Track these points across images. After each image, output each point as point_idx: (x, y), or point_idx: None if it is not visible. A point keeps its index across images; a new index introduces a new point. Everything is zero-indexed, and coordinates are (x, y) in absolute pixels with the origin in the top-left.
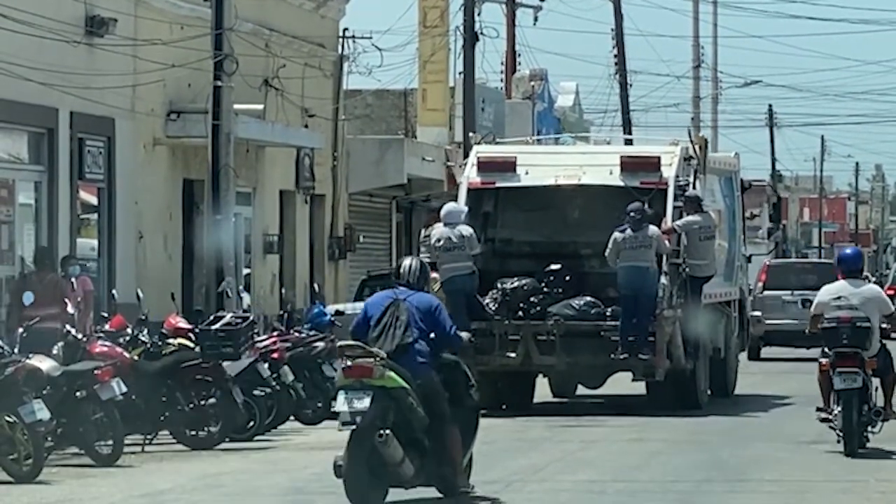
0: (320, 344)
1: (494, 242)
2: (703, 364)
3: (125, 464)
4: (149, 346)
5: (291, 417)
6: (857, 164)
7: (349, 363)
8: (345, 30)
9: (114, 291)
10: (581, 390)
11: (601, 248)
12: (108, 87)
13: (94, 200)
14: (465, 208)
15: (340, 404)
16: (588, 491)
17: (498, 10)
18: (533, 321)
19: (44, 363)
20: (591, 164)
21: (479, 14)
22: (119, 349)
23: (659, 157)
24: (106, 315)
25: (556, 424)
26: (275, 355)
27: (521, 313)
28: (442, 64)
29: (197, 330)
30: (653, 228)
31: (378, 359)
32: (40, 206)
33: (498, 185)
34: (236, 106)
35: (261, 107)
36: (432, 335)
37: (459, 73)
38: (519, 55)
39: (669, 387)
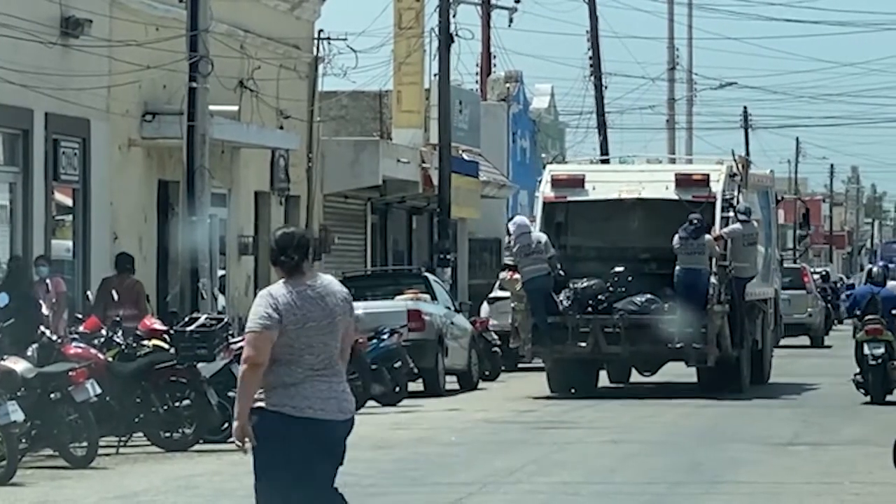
0: None
1: (566, 248)
2: (746, 354)
3: (99, 465)
4: (123, 347)
5: None
6: (832, 165)
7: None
8: (320, 31)
9: (88, 293)
10: (634, 377)
11: (659, 253)
12: (83, 88)
13: (68, 201)
14: (526, 218)
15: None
16: (563, 493)
17: (473, 12)
18: (601, 316)
19: (18, 364)
20: (650, 180)
21: (454, 16)
22: (93, 351)
23: (708, 175)
24: (80, 316)
25: (532, 426)
26: None
27: (590, 309)
28: (417, 66)
29: (172, 331)
30: (707, 236)
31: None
32: (15, 208)
33: (569, 199)
34: (211, 107)
35: (236, 108)
36: None
37: (434, 75)
38: (494, 57)
39: (717, 373)
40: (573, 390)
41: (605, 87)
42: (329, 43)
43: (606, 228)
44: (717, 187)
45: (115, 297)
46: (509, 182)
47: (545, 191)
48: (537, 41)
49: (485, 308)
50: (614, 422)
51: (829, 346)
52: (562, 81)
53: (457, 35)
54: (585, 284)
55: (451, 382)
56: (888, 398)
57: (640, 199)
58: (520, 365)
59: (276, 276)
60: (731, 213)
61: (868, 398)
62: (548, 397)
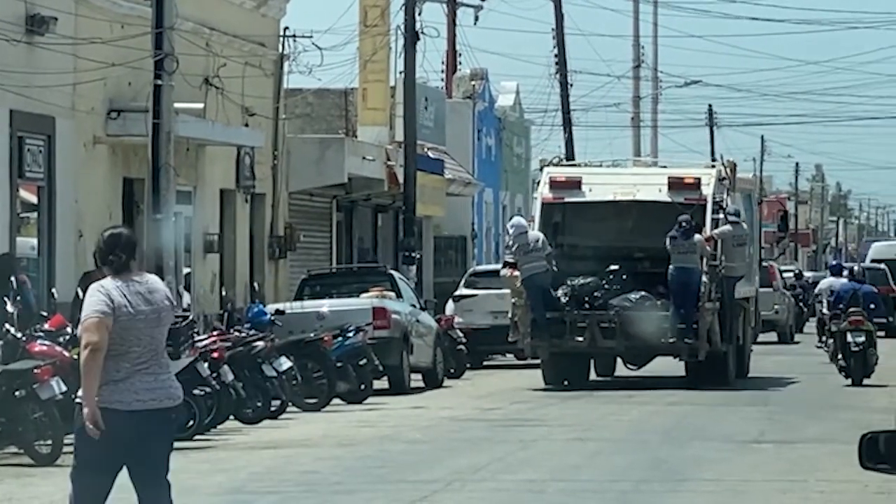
0: (260, 343)
1: (563, 247)
2: (733, 349)
3: (65, 463)
4: None
5: (231, 417)
6: (797, 164)
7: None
8: (285, 29)
9: (53, 290)
10: (619, 371)
11: (652, 253)
12: (48, 86)
13: (34, 199)
14: (523, 219)
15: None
16: (528, 490)
17: (439, 10)
18: (597, 311)
19: None
20: (644, 183)
21: (419, 13)
22: (58, 348)
23: (699, 178)
24: (45, 314)
25: (497, 424)
26: (215, 354)
27: (587, 305)
28: (382, 63)
29: None
30: (698, 236)
31: None
32: None
33: (566, 200)
34: (177, 105)
35: (201, 105)
36: None
37: (400, 73)
38: (460, 55)
39: (705, 367)
40: (566, 382)
41: (571, 85)
42: (294, 40)
43: (602, 228)
44: (707, 190)
45: None
46: (475, 180)
47: (544, 192)
48: (503, 39)
49: (450, 306)
50: (580, 419)
51: (797, 343)
52: (527, 79)
53: (422, 33)
54: (582, 282)
55: (416, 380)
56: (865, 381)
57: (634, 201)
58: (485, 363)
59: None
60: (721, 215)
61: (849, 381)
62: (537, 391)
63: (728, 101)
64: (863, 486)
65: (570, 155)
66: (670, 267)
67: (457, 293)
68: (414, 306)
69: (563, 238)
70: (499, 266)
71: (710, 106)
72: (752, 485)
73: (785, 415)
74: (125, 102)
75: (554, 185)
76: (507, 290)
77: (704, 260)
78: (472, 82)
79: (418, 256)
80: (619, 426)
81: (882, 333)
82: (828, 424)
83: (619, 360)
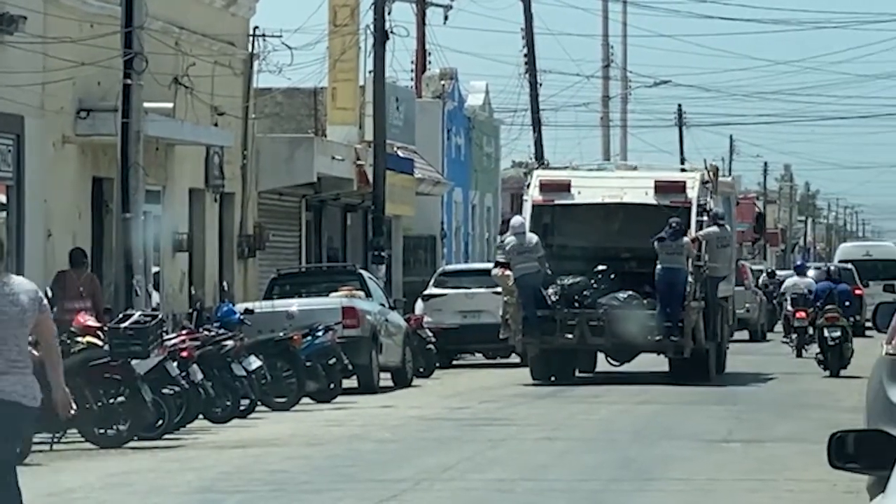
0: (229, 342)
1: (553, 248)
2: (714, 346)
3: (33, 462)
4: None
5: (200, 416)
6: (765, 163)
7: None
8: (255, 28)
9: None
10: (600, 367)
11: (639, 253)
12: (17, 85)
13: (2, 198)
14: (525, 220)
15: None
16: (497, 490)
17: (408, 9)
18: (586, 310)
19: None
20: (631, 186)
21: (389, 13)
22: (27, 347)
23: (685, 182)
24: None
25: (466, 423)
26: (184, 354)
27: (576, 304)
28: (352, 62)
29: (106, 328)
30: (685, 238)
31: None
32: None
33: (556, 202)
34: (146, 104)
35: (170, 105)
36: None
37: (369, 72)
38: (429, 54)
39: (688, 364)
40: (553, 378)
41: (540, 85)
42: (264, 40)
43: (590, 230)
44: (692, 193)
45: (81, 291)
46: (444, 179)
47: (534, 194)
48: (472, 38)
49: (419, 305)
50: (549, 418)
51: (769, 341)
52: (497, 79)
53: (392, 32)
54: (571, 281)
55: (385, 379)
56: (842, 373)
57: (621, 204)
58: (454, 362)
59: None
60: (705, 218)
61: (827, 372)
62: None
63: (697, 100)
64: (832, 485)
65: (539, 155)
66: (657, 267)
67: (426, 292)
68: (383, 305)
69: (553, 239)
70: (468, 265)
71: (679, 106)
72: (720, 484)
73: (754, 414)
74: (94, 102)
75: (544, 187)
76: (476, 290)
77: (690, 260)
78: (442, 82)
79: (387, 256)
80: (588, 425)
81: (852, 345)
82: (797, 423)
83: (598, 355)
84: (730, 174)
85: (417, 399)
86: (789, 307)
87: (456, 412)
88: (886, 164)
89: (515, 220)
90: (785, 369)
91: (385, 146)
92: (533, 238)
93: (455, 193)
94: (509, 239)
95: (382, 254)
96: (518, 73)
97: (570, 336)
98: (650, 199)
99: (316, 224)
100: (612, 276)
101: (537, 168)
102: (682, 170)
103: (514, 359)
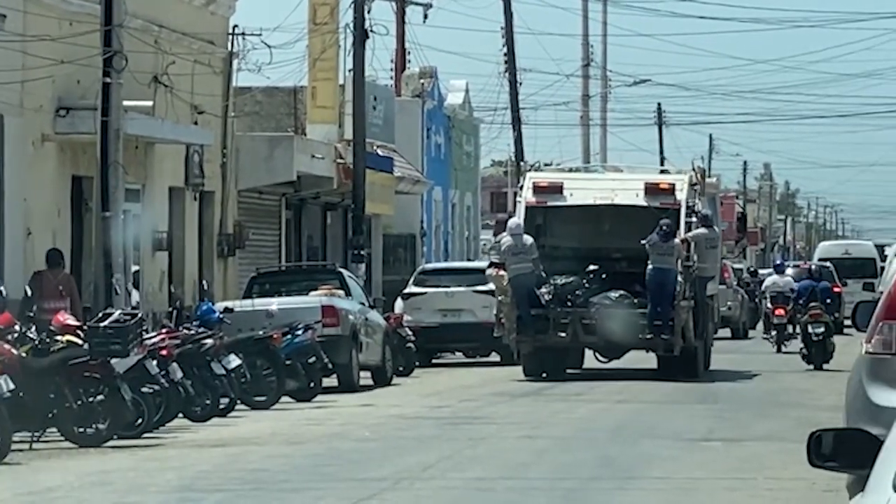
0: (209, 341)
1: (545, 248)
2: (702, 344)
3: (13, 461)
4: (37, 343)
5: (180, 414)
6: (745, 162)
7: None
8: (234, 27)
9: (1, 288)
10: (587, 363)
11: (630, 254)
12: None
13: None
14: (520, 221)
15: None
16: (477, 489)
17: (388, 8)
18: (579, 309)
19: None
20: (622, 188)
21: (368, 11)
22: (7, 346)
23: (674, 184)
24: None
25: (446, 422)
26: (163, 352)
27: (569, 303)
28: (332, 61)
29: (85, 327)
30: (675, 239)
31: None
32: None
33: (549, 203)
34: (125, 102)
35: (150, 103)
36: None
37: (349, 71)
38: (409, 53)
39: (676, 361)
40: (544, 374)
41: (520, 84)
42: (244, 38)
43: (582, 231)
44: (681, 195)
45: (60, 289)
46: (424, 178)
47: (527, 196)
48: (452, 37)
49: (399, 304)
50: (529, 417)
51: (751, 339)
52: (476, 78)
53: (371, 31)
54: (564, 281)
55: (365, 378)
56: (825, 366)
57: (612, 205)
58: (434, 361)
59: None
60: (694, 219)
61: (811, 366)
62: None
63: (677, 99)
64: (811, 483)
65: (518, 153)
66: (649, 267)
67: (406, 291)
68: (363, 304)
69: (546, 239)
70: (448, 264)
71: (658, 105)
72: (700, 482)
73: (734, 412)
74: (74, 100)
75: (537, 189)
76: (455, 289)
77: (680, 261)
78: (422, 80)
79: (367, 254)
80: (568, 424)
81: (834, 339)
82: (777, 422)
83: (587, 352)
84: (710, 173)
85: (397, 398)
86: (769, 305)
87: (436, 411)
88: (866, 163)
89: (512, 221)
90: (766, 366)
91: (365, 145)
92: (528, 239)
93: (435, 192)
94: (505, 239)
95: (362, 252)
96: (498, 72)
97: (563, 334)
98: (640, 200)
99: (296, 223)
100: (604, 275)
101: (530, 170)
102: (664, 171)
103: (494, 357)
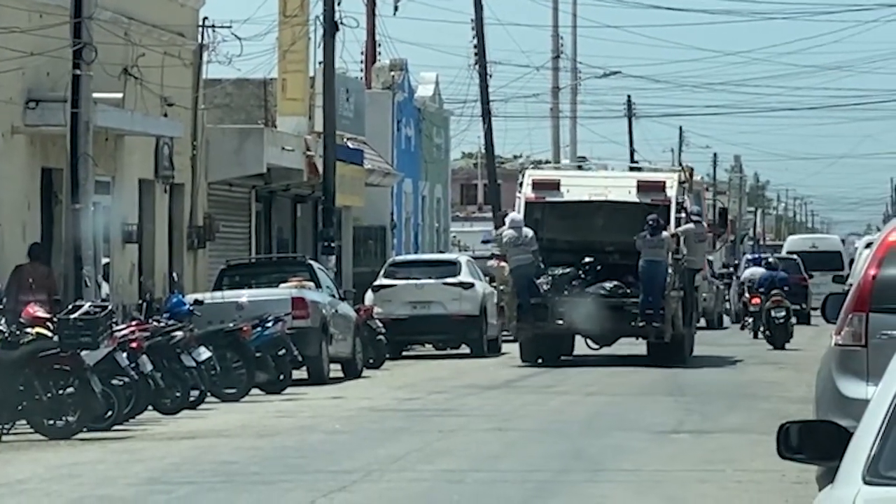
0: (179, 333)
1: (543, 241)
2: (689, 332)
3: None
4: (6, 335)
5: (150, 407)
6: (715, 154)
7: None
8: (204, 18)
9: None
10: (578, 350)
11: (622, 247)
12: None
13: None
14: (520, 215)
15: None
16: (447, 480)
17: (358, 0)
18: (575, 298)
19: None
20: (615, 185)
21: (339, 3)
22: None
23: (664, 182)
24: None
25: (416, 414)
26: (133, 344)
27: (566, 292)
28: (302, 53)
29: (55, 319)
30: (665, 233)
31: None
32: None
33: (547, 199)
34: (95, 94)
35: (120, 95)
36: None
37: (319, 63)
38: (379, 45)
39: (665, 347)
40: (540, 360)
41: (490, 76)
42: (214, 30)
43: (578, 225)
44: (671, 192)
45: (31, 284)
46: (394, 170)
47: (527, 192)
48: (422, 29)
49: (369, 296)
50: (499, 409)
51: (726, 328)
52: (447, 70)
53: (341, 23)
54: (561, 272)
55: (335, 370)
56: (786, 346)
57: (606, 201)
58: (404, 353)
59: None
60: (683, 215)
61: (772, 347)
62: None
63: (647, 91)
64: (781, 475)
65: (489, 146)
66: (641, 260)
67: (376, 283)
68: (333, 296)
69: (543, 233)
70: (418, 256)
71: (628, 97)
72: (670, 474)
73: (703, 405)
74: (43, 92)
75: (536, 185)
76: (426, 281)
77: (670, 254)
78: (392, 73)
79: (337, 246)
80: (538, 416)
81: (794, 320)
82: (746, 414)
83: (577, 340)
84: (680, 165)
85: (367, 390)
86: (747, 294)
87: (406, 403)
88: (835, 156)
89: (514, 215)
90: (743, 354)
91: (335, 137)
92: (529, 232)
93: (405, 184)
94: (507, 232)
95: (332, 245)
96: (468, 65)
97: (560, 322)
98: (633, 197)
99: (266, 215)
100: (599, 267)
101: (529, 168)
102: (655, 170)
103: (464, 350)
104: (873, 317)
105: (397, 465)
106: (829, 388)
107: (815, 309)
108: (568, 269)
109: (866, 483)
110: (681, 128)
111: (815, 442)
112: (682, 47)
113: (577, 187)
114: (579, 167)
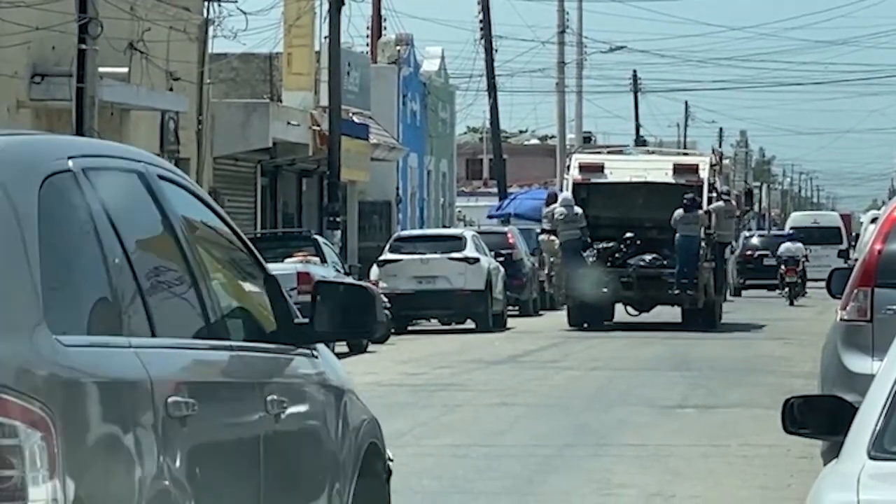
0: None
1: (589, 218)
2: (719, 300)
3: None
4: None
5: None
6: (720, 129)
7: None
8: None
9: None
10: (617, 317)
11: (659, 223)
12: None
13: None
14: (570, 195)
15: None
16: (452, 455)
17: None
18: (618, 269)
19: None
20: (653, 168)
21: None
22: None
23: (698, 164)
24: None
25: (421, 389)
26: None
27: (609, 264)
28: (307, 28)
29: None
30: (699, 211)
31: None
32: None
33: (592, 180)
34: (101, 69)
35: (125, 70)
36: None
37: (325, 38)
38: (385, 20)
39: (698, 313)
40: (586, 325)
41: (496, 51)
42: (219, 5)
43: (620, 204)
44: (704, 174)
45: None
46: (399, 145)
47: (574, 174)
48: (428, 4)
49: (374, 271)
50: (504, 384)
51: (742, 297)
52: (452, 44)
53: None
54: (605, 246)
55: (340, 345)
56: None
57: (645, 182)
58: (409, 328)
59: None
60: (714, 194)
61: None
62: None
63: (653, 66)
64: (785, 450)
65: (494, 120)
66: (677, 235)
67: (381, 258)
68: (338, 271)
69: (588, 211)
70: (423, 231)
71: (634, 72)
72: (675, 449)
73: (708, 380)
74: (49, 67)
75: (582, 168)
76: (431, 256)
77: (703, 229)
78: (398, 47)
79: (342, 221)
80: (543, 391)
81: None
82: (750, 389)
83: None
84: (685, 140)
85: (372, 365)
86: (783, 267)
87: (411, 378)
88: (841, 130)
89: (566, 194)
90: (740, 335)
91: (340, 112)
92: (578, 210)
93: (410, 159)
94: (559, 210)
95: (337, 219)
96: (473, 39)
97: (605, 290)
98: (669, 178)
99: (271, 189)
100: (638, 241)
101: (576, 152)
102: (687, 154)
103: (470, 325)
104: (879, 292)
105: (402, 440)
106: (834, 363)
107: (813, 280)
108: (611, 244)
109: (871, 458)
110: (686, 102)
111: (820, 417)
112: (689, 22)
113: (619, 170)
114: (620, 152)
